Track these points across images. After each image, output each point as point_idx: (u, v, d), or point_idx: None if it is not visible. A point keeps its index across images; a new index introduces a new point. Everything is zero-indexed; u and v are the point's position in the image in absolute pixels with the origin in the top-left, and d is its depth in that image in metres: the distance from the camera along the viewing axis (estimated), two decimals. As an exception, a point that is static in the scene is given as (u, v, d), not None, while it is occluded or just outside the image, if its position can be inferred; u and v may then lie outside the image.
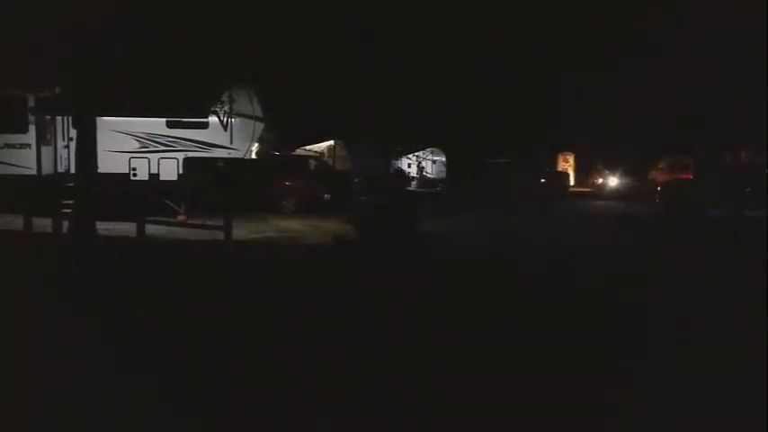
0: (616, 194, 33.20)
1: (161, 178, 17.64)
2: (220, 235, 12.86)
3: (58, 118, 17.29)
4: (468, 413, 4.95)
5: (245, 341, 6.67)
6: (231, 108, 17.74)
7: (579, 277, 10.59)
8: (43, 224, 13.20)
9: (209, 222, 13.87)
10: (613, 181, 35.93)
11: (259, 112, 18.33)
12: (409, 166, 37.58)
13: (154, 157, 17.65)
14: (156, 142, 17.68)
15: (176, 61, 17.06)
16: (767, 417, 4.70)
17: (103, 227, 13.42)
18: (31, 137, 16.85)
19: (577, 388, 5.42)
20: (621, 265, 11.88)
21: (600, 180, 41.18)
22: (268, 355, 6.24)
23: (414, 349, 6.35)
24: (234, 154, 17.90)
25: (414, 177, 37.46)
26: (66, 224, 13.14)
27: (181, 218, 16.66)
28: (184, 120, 17.64)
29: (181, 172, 17.67)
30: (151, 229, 13.30)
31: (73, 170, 15.08)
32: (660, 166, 33.04)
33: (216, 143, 17.84)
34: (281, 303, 8.32)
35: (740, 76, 23.76)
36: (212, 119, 17.68)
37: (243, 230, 14.70)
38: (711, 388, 5.40)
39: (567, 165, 41.59)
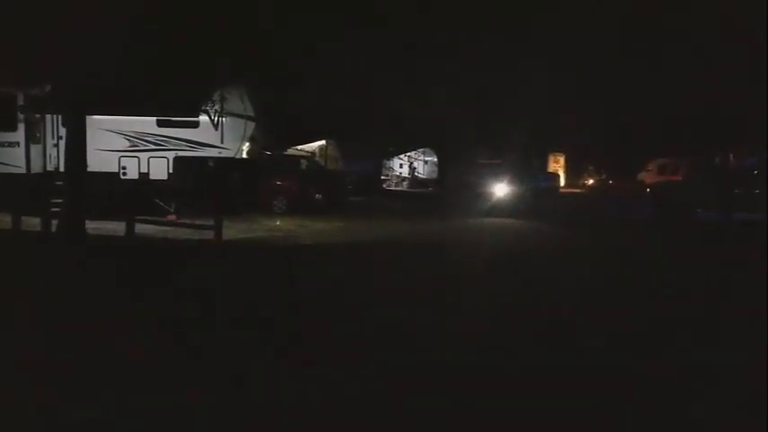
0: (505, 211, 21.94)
1: (151, 177, 17.59)
2: (210, 234, 12.87)
3: (48, 116, 17.21)
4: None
5: (241, 340, 6.66)
6: (222, 107, 17.69)
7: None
8: (32, 223, 13.15)
9: (198, 222, 13.85)
10: (501, 189, 25.22)
11: (250, 111, 18.31)
12: (401, 166, 37.61)
13: (144, 155, 17.58)
14: (146, 141, 17.62)
15: (167, 60, 16.99)
16: (767, 416, 4.72)
17: (92, 226, 13.37)
18: (20, 135, 16.77)
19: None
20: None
21: (590, 181, 41.43)
22: (265, 353, 6.24)
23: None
24: (225, 153, 17.86)
25: (405, 178, 37.49)
26: (55, 223, 13.10)
27: (171, 217, 16.61)
28: (175, 119, 17.57)
29: (171, 171, 17.61)
30: (140, 228, 13.27)
31: (62, 169, 15.00)
32: (649, 167, 33.22)
33: (206, 142, 17.78)
34: (275, 301, 8.32)
35: (732, 76, 23.89)
36: (203, 118, 17.62)
37: (233, 230, 14.67)
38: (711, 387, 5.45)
39: (558, 165, 41.75)
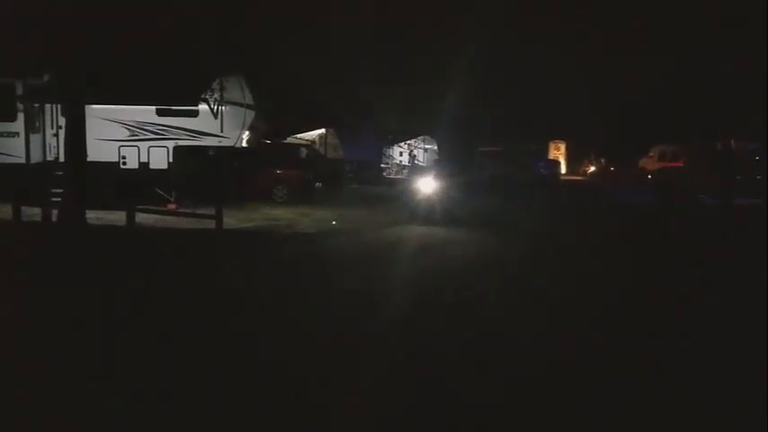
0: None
1: (151, 167, 17.55)
2: (211, 223, 12.85)
3: (47, 106, 17.15)
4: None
5: (240, 333, 6.66)
6: (222, 96, 17.63)
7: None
8: (32, 213, 13.13)
9: (199, 211, 13.83)
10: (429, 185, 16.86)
11: (250, 100, 18.24)
12: (401, 154, 37.52)
13: (144, 145, 17.54)
14: (145, 130, 17.57)
15: (167, 48, 16.93)
16: (767, 417, 4.68)
17: (93, 215, 13.36)
18: (19, 125, 16.71)
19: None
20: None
21: (591, 168, 41.34)
22: (262, 347, 6.25)
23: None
24: (224, 142, 17.81)
25: (405, 166, 37.39)
26: (55, 213, 13.09)
27: (171, 206, 16.60)
28: (174, 108, 17.51)
29: (171, 160, 17.58)
30: (141, 217, 13.26)
31: (62, 158, 14.97)
32: (651, 154, 33.13)
33: (206, 131, 17.74)
34: (278, 292, 8.32)
35: (733, 63, 23.82)
36: (202, 107, 17.56)
37: (233, 219, 14.66)
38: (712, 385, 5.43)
39: (559, 153, 41.61)
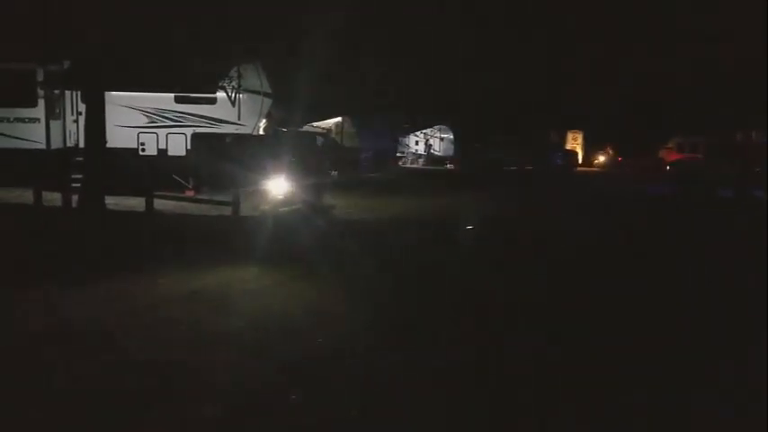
0: None
1: (169, 153, 17.69)
2: (227, 210, 12.98)
3: (67, 92, 17.30)
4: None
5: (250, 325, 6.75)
6: (239, 83, 17.69)
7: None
8: (53, 198, 13.31)
9: (216, 197, 13.95)
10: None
11: (267, 88, 18.28)
12: (417, 143, 37.45)
13: (162, 132, 17.66)
14: (164, 117, 17.68)
15: (185, 36, 16.98)
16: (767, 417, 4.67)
17: (112, 201, 13.52)
18: (39, 111, 16.87)
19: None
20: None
21: (601, 159, 40.99)
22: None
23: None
24: (242, 130, 17.89)
25: (421, 155, 37.35)
26: (75, 198, 13.27)
27: (189, 193, 16.75)
28: (193, 95, 17.62)
29: (189, 147, 17.71)
30: (159, 203, 13.40)
31: (82, 145, 15.14)
32: (669, 145, 32.89)
33: (224, 119, 17.83)
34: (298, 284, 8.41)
35: (749, 56, 23.53)
36: (220, 94, 17.65)
37: (249, 206, 14.75)
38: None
39: (576, 143, 41.32)
